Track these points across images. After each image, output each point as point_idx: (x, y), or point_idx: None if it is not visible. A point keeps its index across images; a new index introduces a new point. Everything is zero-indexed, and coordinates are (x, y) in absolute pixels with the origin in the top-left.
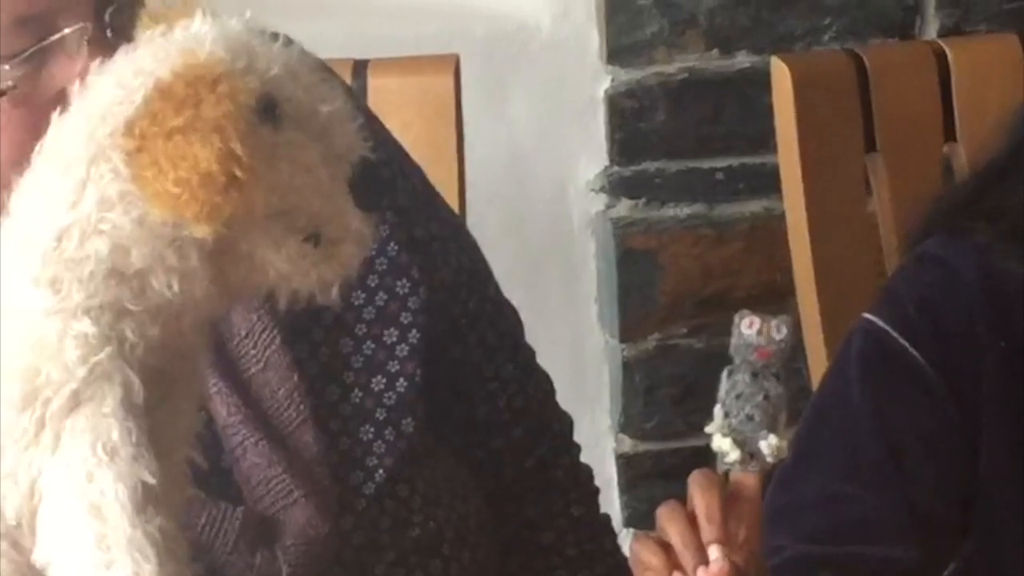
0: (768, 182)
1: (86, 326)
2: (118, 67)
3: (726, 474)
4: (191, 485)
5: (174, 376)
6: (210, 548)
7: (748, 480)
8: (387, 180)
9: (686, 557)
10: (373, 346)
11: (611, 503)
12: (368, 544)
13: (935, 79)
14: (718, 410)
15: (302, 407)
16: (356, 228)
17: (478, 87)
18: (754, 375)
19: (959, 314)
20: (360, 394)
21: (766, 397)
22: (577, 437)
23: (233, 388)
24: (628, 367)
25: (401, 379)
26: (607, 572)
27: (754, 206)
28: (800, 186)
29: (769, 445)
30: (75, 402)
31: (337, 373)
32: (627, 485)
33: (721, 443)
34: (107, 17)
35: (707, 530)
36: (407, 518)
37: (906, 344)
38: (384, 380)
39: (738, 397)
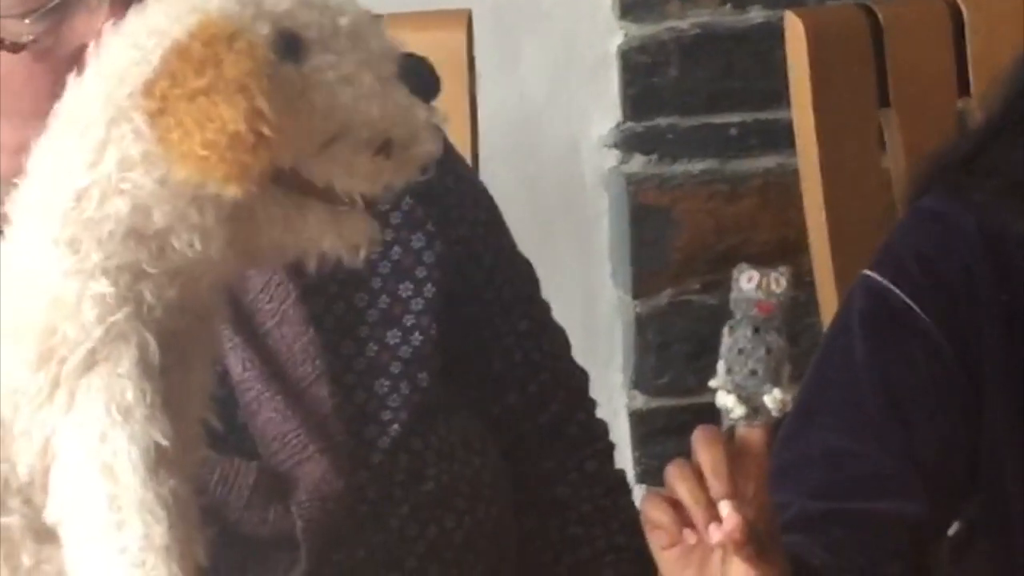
0: (781, 137)
1: (104, 286)
2: (132, 27)
3: (731, 430)
4: (204, 446)
5: (190, 337)
6: (224, 504)
7: (753, 435)
8: (434, 69)
9: (697, 514)
10: (388, 300)
11: (624, 459)
12: (382, 498)
13: (949, 34)
14: (721, 366)
15: (317, 362)
16: (424, 119)
17: (490, 43)
18: (755, 330)
19: (959, 268)
20: (375, 348)
21: (768, 351)
22: (591, 393)
23: (248, 343)
24: (641, 323)
25: (416, 333)
26: (621, 527)
27: (767, 162)
28: (814, 141)
29: (774, 399)
30: (91, 362)
31: (352, 327)
32: (640, 441)
33: (725, 399)
34: None
35: (715, 486)
36: (421, 472)
37: (907, 299)
38: (399, 334)
39: (740, 352)
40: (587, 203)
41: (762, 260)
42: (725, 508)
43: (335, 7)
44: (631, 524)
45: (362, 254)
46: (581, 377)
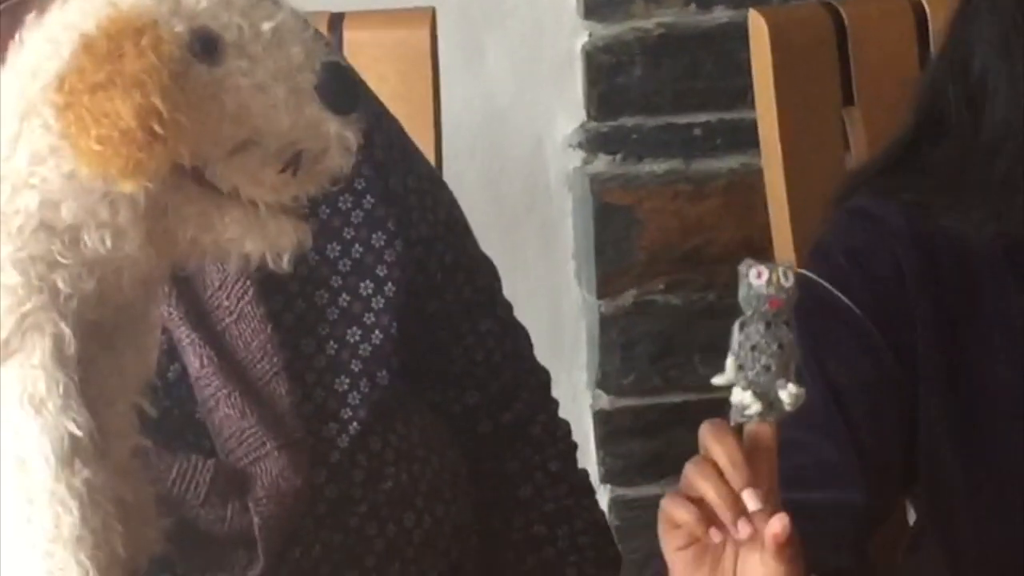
0: (746, 137)
1: (12, 277)
2: (50, 21)
3: (739, 427)
4: (137, 434)
5: (117, 325)
6: (181, 501)
7: (764, 430)
8: (358, 80)
9: (723, 510)
10: (348, 298)
11: (588, 459)
12: (341, 497)
13: (913, 33)
14: (731, 363)
15: (276, 359)
16: (336, 133)
17: (454, 41)
18: (767, 325)
19: (889, 263)
20: (335, 346)
21: (780, 346)
22: (554, 393)
23: (206, 339)
24: (605, 323)
25: (376, 331)
26: (585, 527)
27: (732, 162)
28: (777, 140)
29: (789, 393)
30: (3, 353)
31: (312, 325)
32: (604, 441)
33: (742, 396)
34: None
35: (735, 477)
36: (380, 471)
37: (839, 294)
38: (359, 332)
39: (753, 348)
40: (551, 203)
41: (726, 260)
42: (750, 500)
43: (261, 11)
44: (595, 524)
45: (286, 259)
46: (543, 377)
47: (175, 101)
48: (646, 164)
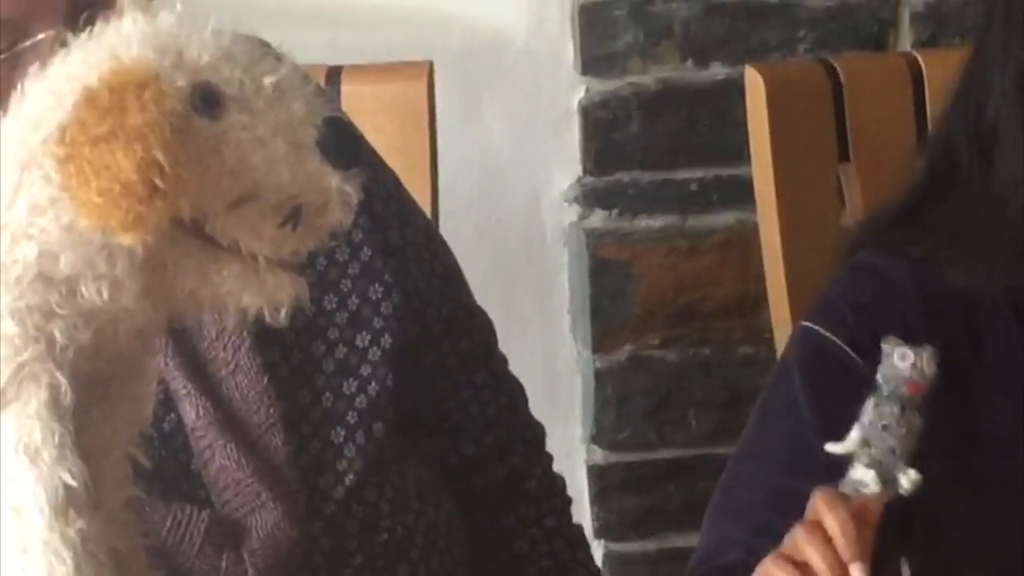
0: (742, 193)
1: (10, 327)
2: (52, 72)
3: (846, 497)
4: (131, 484)
5: (114, 377)
6: (175, 551)
7: (871, 507)
8: (359, 136)
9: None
10: (345, 350)
11: (582, 514)
12: (336, 548)
13: (909, 90)
14: (855, 435)
15: (272, 410)
16: (337, 188)
17: (452, 96)
18: (902, 408)
19: (895, 318)
20: (331, 397)
21: (909, 431)
22: (549, 447)
23: (203, 391)
24: (600, 378)
25: (373, 383)
26: None
27: (728, 217)
28: (773, 196)
29: (909, 479)
30: (0, 402)
31: (309, 376)
32: (598, 496)
33: (864, 474)
34: (81, 23)
35: (845, 549)
36: (375, 523)
37: (845, 347)
38: (356, 384)
39: (884, 428)
40: (547, 257)
41: (721, 316)
42: (857, 573)
43: (263, 66)
44: None
45: (283, 313)
46: (538, 431)
47: (176, 155)
48: (642, 219)
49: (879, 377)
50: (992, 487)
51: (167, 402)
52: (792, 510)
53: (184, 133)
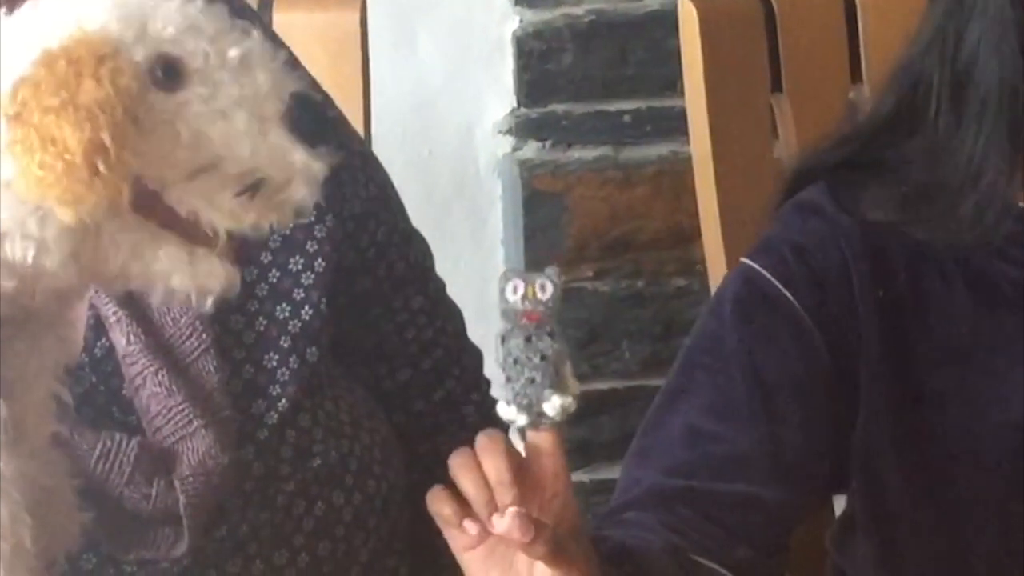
0: (675, 125)
1: None
2: (20, 22)
3: (522, 431)
4: (55, 421)
5: (33, 311)
6: (105, 480)
7: (541, 438)
8: (329, 114)
9: (479, 505)
10: (278, 274)
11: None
12: (268, 474)
13: (842, 20)
14: (500, 375)
15: (204, 335)
16: (301, 163)
17: (385, 26)
18: (527, 339)
19: (836, 262)
20: (264, 322)
21: (543, 357)
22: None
23: (133, 317)
24: None
25: (306, 307)
26: None
27: (661, 149)
28: (706, 128)
29: (553, 406)
30: None
31: (241, 301)
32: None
33: (506, 411)
34: None
35: (501, 495)
36: (309, 448)
37: (782, 288)
38: (289, 308)
39: (515, 362)
40: (481, 189)
41: (655, 247)
42: (511, 518)
43: (228, 39)
44: None
45: (210, 300)
46: (476, 356)
47: (124, 138)
48: (575, 151)
49: (500, 314)
50: (929, 441)
51: (97, 327)
52: (706, 450)
53: (137, 109)
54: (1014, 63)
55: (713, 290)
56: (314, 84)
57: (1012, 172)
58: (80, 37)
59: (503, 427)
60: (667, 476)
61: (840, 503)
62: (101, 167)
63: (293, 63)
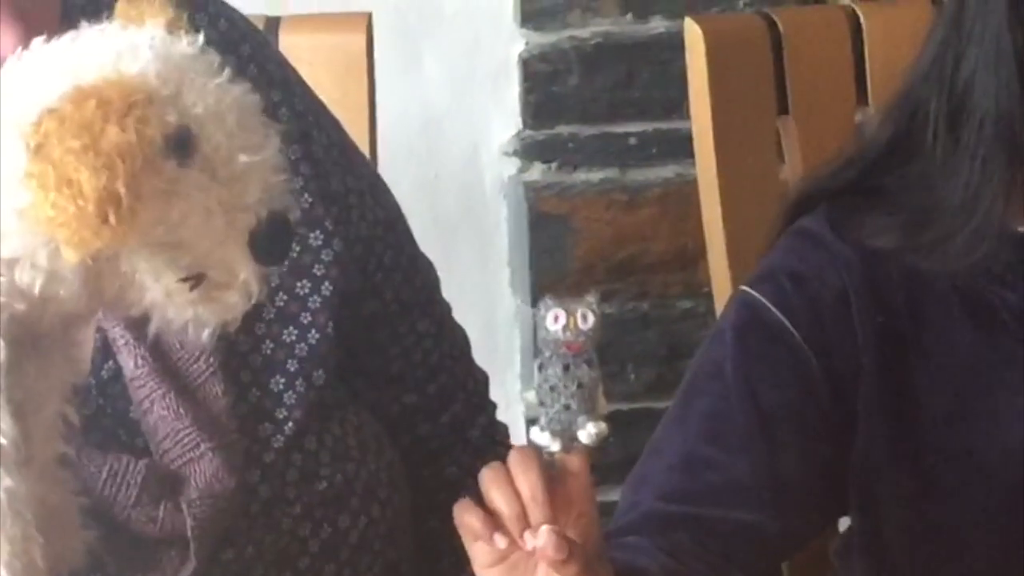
0: (681, 147)
1: None
2: (56, 50)
3: (551, 455)
4: (63, 441)
5: (46, 334)
6: (112, 502)
7: (571, 460)
8: (292, 237)
9: (511, 521)
10: (285, 297)
11: None
12: (275, 497)
13: (848, 42)
14: (534, 400)
15: (211, 359)
16: (244, 279)
17: (391, 48)
18: (565, 367)
19: (834, 289)
20: (271, 345)
21: (580, 385)
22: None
23: (140, 340)
24: None
25: (313, 331)
26: None
27: (667, 171)
28: (712, 149)
29: (589, 434)
30: None
31: (248, 324)
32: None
33: (540, 437)
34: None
35: (534, 512)
36: (315, 472)
37: (781, 317)
38: (296, 331)
39: (552, 389)
40: (486, 210)
41: (661, 269)
42: (544, 535)
43: (243, 140)
44: None
45: (206, 334)
46: (481, 378)
47: (138, 191)
48: (581, 173)
49: (539, 342)
50: (925, 461)
51: (105, 349)
52: (704, 477)
53: (152, 169)
54: (1010, 89)
55: (719, 312)
56: (321, 106)
57: (1009, 198)
58: (115, 80)
59: (507, 450)
60: (665, 501)
61: (844, 517)
62: (112, 217)
63: (300, 83)
